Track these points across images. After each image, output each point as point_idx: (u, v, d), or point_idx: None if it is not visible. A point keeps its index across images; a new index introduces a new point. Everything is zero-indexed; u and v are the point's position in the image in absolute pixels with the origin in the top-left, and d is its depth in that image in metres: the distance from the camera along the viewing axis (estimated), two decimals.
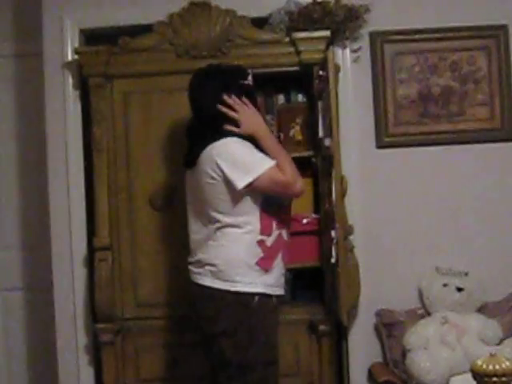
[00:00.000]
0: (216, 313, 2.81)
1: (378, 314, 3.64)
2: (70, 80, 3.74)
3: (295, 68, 3.55)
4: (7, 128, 4.25)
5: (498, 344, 3.42)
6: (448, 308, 3.54)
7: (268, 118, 3.67)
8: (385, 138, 3.72)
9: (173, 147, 3.52)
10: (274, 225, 2.87)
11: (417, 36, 3.71)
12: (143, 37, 3.58)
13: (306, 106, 3.70)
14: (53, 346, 3.78)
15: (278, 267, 2.91)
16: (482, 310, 3.59)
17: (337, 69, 3.60)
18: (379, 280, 3.68)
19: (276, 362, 2.92)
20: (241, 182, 2.76)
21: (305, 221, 3.51)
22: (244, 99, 2.91)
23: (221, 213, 2.83)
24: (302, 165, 3.55)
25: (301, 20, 3.58)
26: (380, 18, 3.68)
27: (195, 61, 3.46)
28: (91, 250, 3.60)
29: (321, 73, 3.37)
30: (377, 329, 3.70)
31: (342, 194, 3.38)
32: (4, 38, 4.19)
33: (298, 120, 3.68)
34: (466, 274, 3.59)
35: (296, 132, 3.68)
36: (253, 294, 2.81)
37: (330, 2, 3.61)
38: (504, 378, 2.00)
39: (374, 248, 3.69)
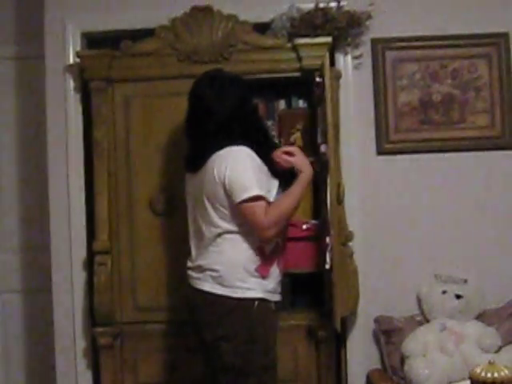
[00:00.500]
0: (216, 318, 2.82)
1: (377, 320, 3.63)
2: (72, 83, 3.74)
3: (296, 74, 3.55)
4: (8, 130, 4.25)
5: (497, 351, 3.42)
6: (447, 315, 3.54)
7: (269, 123, 3.67)
8: (385, 145, 3.72)
9: (173, 151, 3.52)
10: None
11: (418, 43, 3.71)
12: (145, 41, 3.58)
13: (306, 111, 3.70)
14: (51, 349, 3.77)
15: (275, 274, 2.92)
16: (480, 317, 3.58)
17: (338, 75, 3.62)
18: (378, 286, 3.67)
19: (275, 366, 2.93)
20: (239, 197, 2.76)
21: (304, 226, 3.51)
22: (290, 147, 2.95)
23: (222, 219, 2.84)
24: None
25: (302, 26, 3.58)
26: (382, 25, 3.69)
27: (197, 65, 3.47)
28: (91, 253, 3.60)
29: (318, 79, 3.38)
30: (375, 335, 3.70)
31: (339, 200, 3.38)
32: (6, 40, 4.20)
33: (299, 126, 3.68)
34: (465, 282, 3.59)
35: (297, 138, 3.68)
36: (253, 300, 2.82)
37: (332, 8, 3.61)
38: None
39: (373, 254, 3.69)
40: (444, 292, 3.57)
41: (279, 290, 2.98)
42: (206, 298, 2.86)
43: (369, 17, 3.65)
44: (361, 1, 3.65)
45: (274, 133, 3.67)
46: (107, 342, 3.53)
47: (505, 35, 3.72)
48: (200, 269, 2.89)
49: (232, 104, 2.86)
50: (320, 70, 3.35)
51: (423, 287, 3.64)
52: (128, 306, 3.59)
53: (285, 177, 2.95)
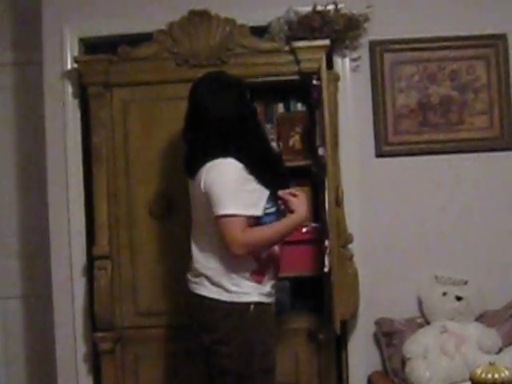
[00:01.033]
0: (213, 322, 2.82)
1: (378, 322, 3.63)
2: (70, 89, 3.74)
3: (295, 77, 3.54)
4: (7, 136, 4.25)
5: (497, 353, 3.42)
6: (447, 317, 3.54)
7: (268, 126, 3.67)
8: (384, 147, 3.72)
9: (172, 156, 3.51)
10: None
11: (416, 45, 3.71)
12: (143, 46, 3.58)
13: (305, 114, 3.70)
14: (52, 354, 3.77)
15: (270, 278, 2.91)
16: (481, 318, 3.58)
17: (336, 78, 3.62)
18: (378, 289, 3.67)
19: (273, 369, 2.92)
20: (216, 212, 2.74)
21: (304, 230, 3.51)
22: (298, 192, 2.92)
23: (215, 225, 2.81)
24: (302, 174, 3.57)
25: (300, 29, 3.58)
26: (379, 27, 3.69)
27: (195, 70, 3.46)
28: (90, 258, 3.60)
29: (315, 82, 3.37)
30: (376, 338, 3.69)
31: (338, 202, 3.38)
32: (4, 46, 4.20)
33: (298, 129, 3.68)
34: (466, 283, 3.59)
35: (295, 141, 3.68)
36: (248, 304, 2.81)
37: (330, 11, 3.61)
38: None
39: (373, 256, 3.69)
40: (444, 294, 3.57)
41: (274, 293, 2.97)
42: (202, 302, 2.86)
43: (366, 19, 3.65)
44: (358, 3, 3.65)
45: (272, 136, 3.66)
46: (108, 347, 3.52)
47: (503, 37, 3.72)
48: (196, 272, 2.90)
49: (228, 108, 2.84)
50: (317, 73, 3.35)
51: (423, 289, 3.64)
52: (128, 310, 3.59)
53: (282, 183, 2.94)
